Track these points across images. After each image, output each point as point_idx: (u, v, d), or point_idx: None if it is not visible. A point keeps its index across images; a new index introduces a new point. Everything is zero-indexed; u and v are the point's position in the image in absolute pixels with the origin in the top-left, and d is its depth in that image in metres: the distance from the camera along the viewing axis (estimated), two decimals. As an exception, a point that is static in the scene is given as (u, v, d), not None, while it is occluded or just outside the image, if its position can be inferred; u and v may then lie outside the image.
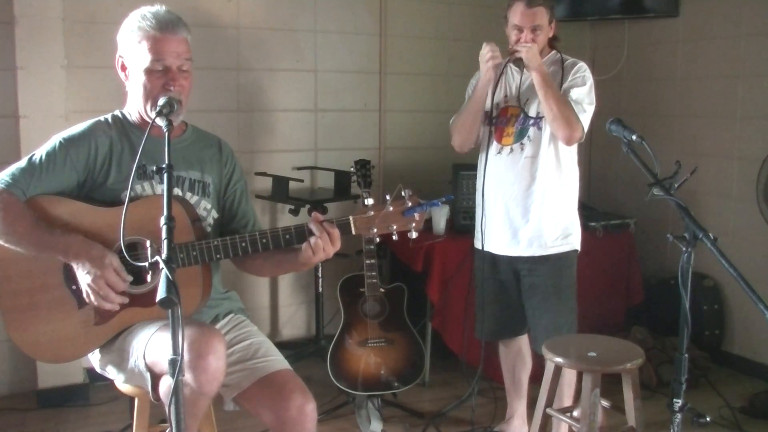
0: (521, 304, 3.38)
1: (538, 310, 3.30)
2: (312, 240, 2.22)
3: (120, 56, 2.37)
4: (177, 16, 2.35)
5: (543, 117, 3.19)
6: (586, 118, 3.14)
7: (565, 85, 3.19)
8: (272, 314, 4.74)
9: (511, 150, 3.27)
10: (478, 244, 3.44)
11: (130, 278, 2.21)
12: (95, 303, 2.22)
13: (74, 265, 2.22)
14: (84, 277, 2.19)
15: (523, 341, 3.52)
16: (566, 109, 3.09)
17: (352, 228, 2.24)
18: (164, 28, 2.29)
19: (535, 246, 3.27)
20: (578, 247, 3.34)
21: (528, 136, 3.24)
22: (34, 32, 3.77)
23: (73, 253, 2.20)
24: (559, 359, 2.76)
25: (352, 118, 4.84)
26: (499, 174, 3.31)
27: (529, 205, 3.25)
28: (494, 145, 3.32)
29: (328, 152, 4.75)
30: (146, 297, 2.25)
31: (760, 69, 4.33)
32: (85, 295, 2.22)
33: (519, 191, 3.27)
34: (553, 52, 3.32)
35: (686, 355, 2.25)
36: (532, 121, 3.23)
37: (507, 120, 3.30)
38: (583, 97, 3.15)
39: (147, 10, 2.33)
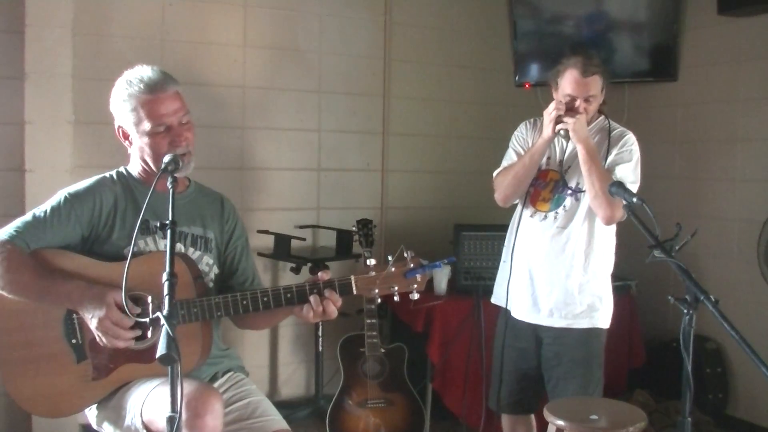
0: (540, 375, 3.22)
1: (563, 380, 3.14)
2: (313, 302, 2.22)
3: (119, 126, 2.40)
4: (162, 73, 2.37)
5: (583, 190, 3.08)
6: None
7: (610, 159, 3.07)
8: (271, 373, 4.70)
9: (545, 217, 3.16)
10: (495, 301, 3.36)
11: (138, 310, 2.19)
12: (108, 344, 2.19)
13: (80, 311, 2.21)
14: (91, 321, 2.18)
15: (531, 418, 3.37)
16: None
17: (354, 288, 2.24)
18: (154, 89, 2.31)
19: (556, 317, 3.14)
20: (604, 325, 3.18)
21: (564, 206, 3.13)
22: (43, 88, 3.83)
23: (75, 297, 2.20)
24: (560, 422, 2.73)
25: (354, 177, 4.87)
26: (528, 238, 3.20)
27: (554, 276, 3.14)
28: (529, 208, 3.20)
29: (330, 211, 4.76)
30: (146, 353, 2.24)
31: (758, 132, 4.38)
32: (97, 339, 2.21)
33: (545, 260, 3.15)
34: (602, 117, 3.19)
35: (689, 419, 2.22)
36: (570, 192, 3.12)
37: (545, 184, 3.18)
38: (628, 174, 3.02)
39: (132, 76, 2.35)
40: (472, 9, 5.14)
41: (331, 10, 4.69)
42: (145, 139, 2.33)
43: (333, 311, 2.24)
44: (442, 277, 4.25)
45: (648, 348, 4.70)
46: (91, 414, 2.42)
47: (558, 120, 3.02)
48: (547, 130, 3.05)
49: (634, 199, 2.51)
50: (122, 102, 2.34)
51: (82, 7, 3.95)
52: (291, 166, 4.67)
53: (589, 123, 3.11)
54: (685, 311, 2.16)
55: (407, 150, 5.01)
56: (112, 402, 2.32)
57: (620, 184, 2.61)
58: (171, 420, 1.70)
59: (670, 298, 2.20)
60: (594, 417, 2.73)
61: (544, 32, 5.07)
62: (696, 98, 4.78)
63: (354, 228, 4.03)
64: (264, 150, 4.58)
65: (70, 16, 3.90)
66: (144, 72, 2.35)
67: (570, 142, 3.09)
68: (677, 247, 2.27)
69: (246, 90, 4.49)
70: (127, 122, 2.35)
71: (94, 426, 2.43)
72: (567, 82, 3.05)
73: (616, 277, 4.65)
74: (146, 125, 2.31)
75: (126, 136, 2.40)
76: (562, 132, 3.02)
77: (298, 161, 4.69)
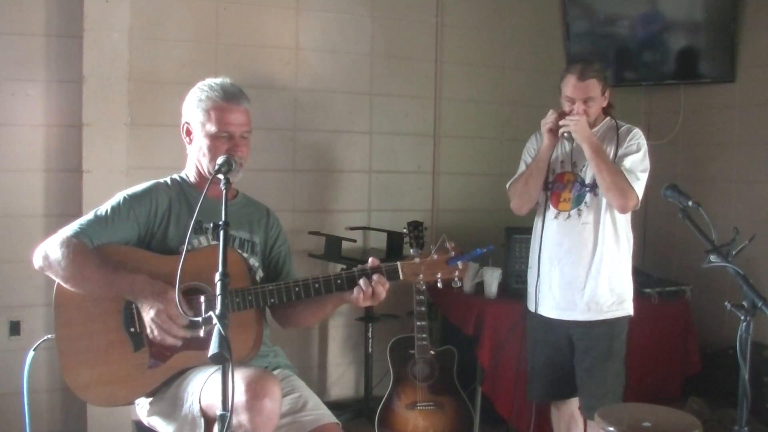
0: (573, 366, 3.33)
1: (587, 374, 3.27)
2: (362, 284, 2.31)
3: (186, 122, 2.53)
4: (240, 89, 2.54)
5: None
6: (639, 186, 3.15)
7: (620, 153, 3.21)
8: (320, 373, 4.73)
9: (569, 215, 3.29)
10: (531, 307, 3.45)
11: (191, 313, 2.25)
12: (158, 338, 2.26)
13: (138, 303, 2.29)
14: (147, 312, 2.26)
15: (575, 403, 3.45)
16: (619, 179, 3.11)
17: (400, 273, 2.34)
18: (230, 99, 2.48)
19: (592, 311, 3.25)
20: (632, 312, 3.31)
21: (585, 203, 3.26)
22: (100, 91, 3.92)
23: (137, 289, 2.28)
24: (612, 429, 2.69)
25: (405, 179, 4.87)
26: (555, 238, 3.32)
27: (586, 270, 3.25)
28: (551, 210, 3.34)
29: (381, 213, 4.78)
30: (201, 341, 2.28)
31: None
32: (149, 331, 2.27)
33: (576, 257, 3.27)
34: (608, 119, 3.35)
35: (746, 429, 2.18)
36: (588, 188, 3.25)
37: (563, 186, 3.32)
38: (637, 164, 3.17)
39: (214, 81, 2.52)
40: (524, 10, 5.11)
41: (382, 13, 4.71)
42: (206, 141, 2.47)
43: (381, 293, 2.33)
44: (492, 280, 4.22)
45: (703, 355, 4.61)
46: (141, 409, 2.48)
47: (559, 125, 3.22)
48: (545, 138, 3.28)
49: (690, 203, 2.47)
50: (198, 101, 2.49)
51: (138, 12, 4.04)
52: (342, 168, 4.69)
53: (594, 124, 3.29)
54: (743, 318, 2.12)
55: (458, 152, 5.00)
56: (167, 393, 2.37)
57: (674, 187, 2.58)
58: (222, 418, 1.73)
59: (726, 304, 2.17)
60: (647, 424, 2.69)
61: (597, 33, 5.02)
62: (755, 100, 4.68)
63: (405, 230, 4.03)
64: (315, 152, 4.61)
65: (127, 21, 3.98)
66: (225, 82, 2.53)
67: (576, 143, 3.26)
68: (734, 252, 2.24)
69: (298, 92, 4.53)
70: (196, 120, 2.49)
71: (144, 419, 2.48)
72: (566, 86, 3.25)
73: (669, 281, 4.61)
74: (212, 127, 2.45)
75: (189, 133, 2.53)
76: (566, 134, 3.23)
77: (349, 163, 4.71)
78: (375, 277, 2.32)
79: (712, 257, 2.25)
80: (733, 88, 4.78)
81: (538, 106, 5.01)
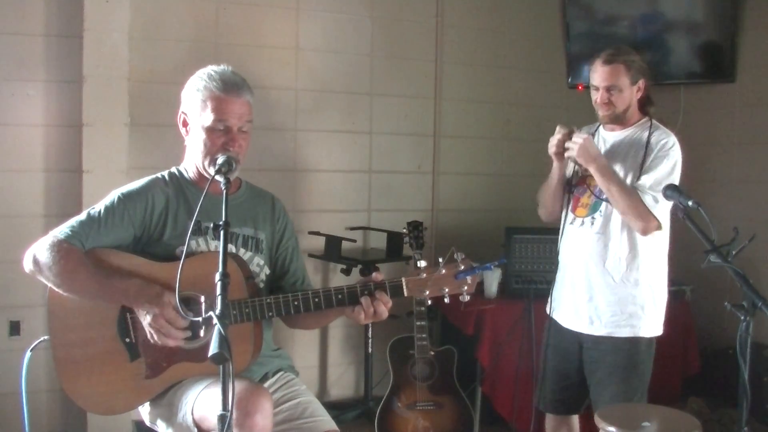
0: (582, 378, 3.17)
1: (600, 386, 3.08)
2: (364, 303, 2.22)
3: (183, 112, 2.42)
4: (242, 78, 2.40)
5: None
6: (660, 208, 2.90)
7: (645, 165, 2.96)
8: (321, 373, 4.73)
9: (582, 223, 3.10)
10: (548, 309, 3.32)
11: (190, 314, 2.17)
12: (159, 342, 2.22)
13: (135, 309, 2.24)
14: (144, 318, 2.21)
15: (574, 420, 3.34)
16: (634, 202, 2.89)
17: (405, 290, 2.24)
18: (229, 90, 2.34)
19: (596, 324, 3.07)
20: (648, 334, 3.04)
21: (600, 211, 3.04)
22: (100, 91, 3.91)
23: (132, 295, 2.22)
24: (612, 429, 2.69)
25: (405, 179, 4.87)
26: (569, 245, 3.16)
27: (592, 282, 3.07)
28: (569, 215, 3.16)
29: (381, 213, 4.77)
30: (198, 352, 2.26)
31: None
32: (149, 336, 2.23)
33: (583, 266, 3.09)
34: (645, 119, 3.10)
35: (746, 429, 2.18)
36: (604, 197, 3.01)
37: (584, 190, 3.12)
38: (657, 183, 2.88)
39: (213, 70, 2.39)
40: (524, 10, 5.11)
41: (382, 13, 4.71)
42: (202, 133, 2.35)
43: (383, 312, 2.24)
44: (492, 280, 4.23)
45: (703, 355, 4.61)
46: (144, 411, 2.46)
47: (563, 149, 3.00)
48: (553, 160, 3.08)
49: (690, 203, 2.47)
50: (195, 90, 2.37)
51: (138, 11, 4.04)
52: (342, 168, 4.69)
53: (627, 121, 3.09)
54: (742, 318, 2.12)
55: (458, 152, 5.00)
56: (164, 399, 2.35)
57: (674, 187, 2.56)
58: (222, 418, 1.72)
59: (726, 304, 2.16)
60: (646, 424, 2.68)
61: (597, 33, 5.01)
62: (754, 99, 4.68)
63: (405, 230, 4.03)
64: (316, 152, 4.61)
65: (127, 20, 3.98)
66: (225, 71, 2.40)
67: (599, 145, 3.08)
68: (734, 252, 2.23)
69: (298, 92, 4.52)
70: (192, 111, 2.38)
71: (148, 423, 2.47)
72: (593, 72, 3.04)
73: (670, 282, 4.58)
74: (208, 119, 2.33)
75: (185, 125, 2.43)
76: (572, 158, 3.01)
77: (349, 163, 4.71)
78: (377, 294, 2.22)
79: (712, 257, 2.24)
80: (733, 88, 4.78)
81: (538, 106, 5.07)
